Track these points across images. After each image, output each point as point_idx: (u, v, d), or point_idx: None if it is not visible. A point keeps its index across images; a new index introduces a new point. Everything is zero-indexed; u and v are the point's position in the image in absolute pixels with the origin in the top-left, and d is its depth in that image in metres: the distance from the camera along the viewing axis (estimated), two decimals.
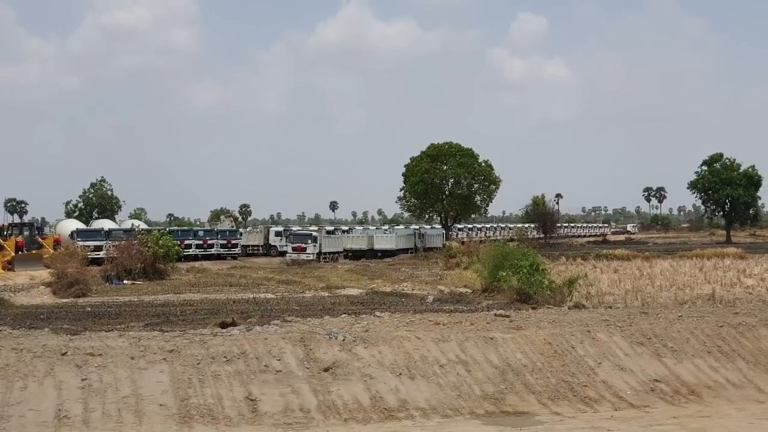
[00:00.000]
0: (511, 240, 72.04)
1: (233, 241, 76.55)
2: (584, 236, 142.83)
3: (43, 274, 45.07)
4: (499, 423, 14.27)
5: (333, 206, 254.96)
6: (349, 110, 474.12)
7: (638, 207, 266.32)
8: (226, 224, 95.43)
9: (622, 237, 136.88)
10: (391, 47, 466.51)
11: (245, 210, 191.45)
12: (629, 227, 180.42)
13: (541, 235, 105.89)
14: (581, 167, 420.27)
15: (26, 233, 60.31)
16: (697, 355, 17.79)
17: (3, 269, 50.83)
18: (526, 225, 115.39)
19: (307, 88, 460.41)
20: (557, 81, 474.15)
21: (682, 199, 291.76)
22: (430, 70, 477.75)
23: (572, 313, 21.71)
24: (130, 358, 15.33)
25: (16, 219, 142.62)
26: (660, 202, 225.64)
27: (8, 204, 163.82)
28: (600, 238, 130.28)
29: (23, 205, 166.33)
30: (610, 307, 24.37)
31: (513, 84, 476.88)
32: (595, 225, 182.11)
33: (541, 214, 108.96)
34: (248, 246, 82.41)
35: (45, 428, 13.23)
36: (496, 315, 20.60)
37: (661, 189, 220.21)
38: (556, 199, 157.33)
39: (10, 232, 60.93)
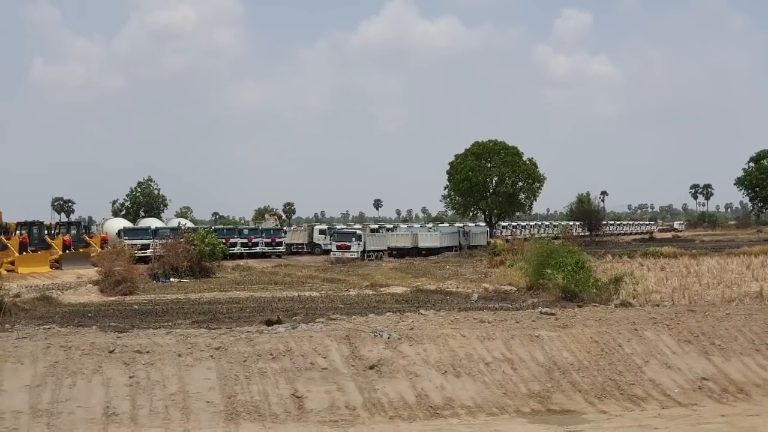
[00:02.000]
0: (556, 238, 71.59)
1: (278, 240, 76.83)
2: (630, 234, 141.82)
3: (91, 272, 45.55)
4: (546, 421, 14.21)
5: (377, 204, 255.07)
6: (392, 108, 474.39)
7: (685, 204, 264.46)
8: (270, 223, 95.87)
9: (668, 234, 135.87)
10: (434, 45, 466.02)
11: (289, 208, 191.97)
12: (676, 225, 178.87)
13: (587, 233, 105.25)
14: (627, 164, 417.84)
15: (73, 232, 61.09)
16: (745, 353, 17.60)
17: (51, 268, 51.41)
18: (571, 223, 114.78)
19: (350, 87, 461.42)
20: (602, 77, 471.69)
21: (729, 196, 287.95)
22: (473, 67, 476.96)
23: (619, 311, 21.53)
24: (177, 356, 15.44)
25: (64, 218, 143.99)
26: (707, 199, 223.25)
27: (55, 203, 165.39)
28: (646, 236, 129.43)
29: (70, 204, 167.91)
30: (657, 306, 24.15)
31: (557, 81, 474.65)
32: (641, 222, 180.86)
33: (586, 211, 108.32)
34: (293, 244, 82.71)
35: (93, 425, 13.35)
36: (541, 313, 20.50)
37: (708, 186, 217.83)
38: (602, 196, 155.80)
39: (57, 230, 61.66)
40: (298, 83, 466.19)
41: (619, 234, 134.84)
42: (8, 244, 51.36)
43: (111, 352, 15.40)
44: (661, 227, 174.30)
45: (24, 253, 51.66)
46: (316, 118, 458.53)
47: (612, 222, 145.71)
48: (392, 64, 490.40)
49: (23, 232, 55.55)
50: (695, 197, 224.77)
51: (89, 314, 26.47)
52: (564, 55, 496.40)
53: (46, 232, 58.73)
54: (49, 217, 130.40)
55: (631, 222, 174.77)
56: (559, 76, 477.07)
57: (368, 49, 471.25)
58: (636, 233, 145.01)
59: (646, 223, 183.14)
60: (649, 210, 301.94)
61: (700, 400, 15.70)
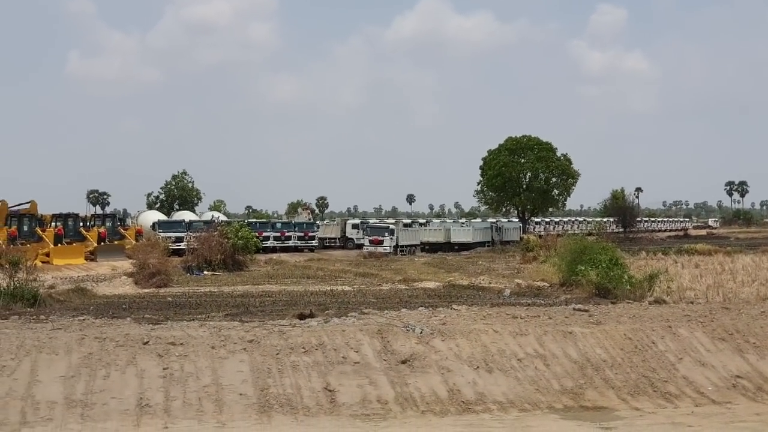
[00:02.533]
0: (590, 234, 71.28)
1: (310, 234, 77.02)
2: (665, 231, 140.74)
3: (125, 264, 45.86)
4: (578, 418, 14.17)
5: (410, 199, 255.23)
6: (425, 103, 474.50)
7: (720, 201, 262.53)
8: (303, 217, 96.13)
9: (703, 232, 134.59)
10: (468, 40, 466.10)
11: (322, 202, 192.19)
12: (710, 222, 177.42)
13: (621, 230, 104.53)
14: (662, 161, 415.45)
15: (109, 224, 61.43)
16: None
17: (86, 259, 51.81)
18: (605, 219, 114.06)
19: (383, 82, 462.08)
20: (637, 73, 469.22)
21: (764, 194, 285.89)
22: (507, 62, 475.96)
23: (653, 308, 21.42)
24: (210, 348, 15.52)
25: (99, 210, 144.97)
26: (742, 196, 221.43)
27: (91, 195, 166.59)
28: (681, 233, 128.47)
29: (105, 196, 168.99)
30: (692, 303, 23.98)
31: (592, 77, 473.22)
32: (675, 219, 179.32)
33: (620, 208, 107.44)
34: (325, 238, 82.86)
35: (127, 416, 13.45)
36: (574, 309, 20.43)
37: (743, 183, 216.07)
38: (636, 192, 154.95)
39: (92, 223, 62.13)
40: (332, 78, 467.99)
41: (654, 231, 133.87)
42: (43, 236, 51.78)
43: (145, 343, 15.50)
44: (695, 224, 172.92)
45: (59, 244, 52.07)
46: (349, 112, 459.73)
47: (646, 219, 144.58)
48: (426, 59, 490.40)
49: (58, 224, 56.00)
50: (730, 194, 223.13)
51: (124, 306, 26.65)
52: (599, 51, 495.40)
53: (81, 224, 59.19)
54: (85, 209, 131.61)
55: (665, 219, 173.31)
56: (593, 71, 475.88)
57: (402, 44, 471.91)
58: (670, 230, 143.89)
59: (681, 220, 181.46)
60: (684, 207, 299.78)
61: (734, 398, 15.59)
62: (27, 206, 54.69)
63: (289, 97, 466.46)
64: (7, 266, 26.68)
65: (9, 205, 53.14)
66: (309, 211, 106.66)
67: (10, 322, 18.60)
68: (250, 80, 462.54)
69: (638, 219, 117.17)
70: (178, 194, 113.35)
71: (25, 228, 52.60)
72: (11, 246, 41.19)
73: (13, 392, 13.77)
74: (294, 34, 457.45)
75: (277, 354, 15.50)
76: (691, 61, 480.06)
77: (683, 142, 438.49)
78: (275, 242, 71.76)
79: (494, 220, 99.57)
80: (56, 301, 27.36)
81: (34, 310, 23.20)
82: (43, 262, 45.30)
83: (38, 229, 52.73)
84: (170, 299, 29.63)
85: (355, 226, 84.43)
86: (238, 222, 64.29)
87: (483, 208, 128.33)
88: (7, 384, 13.97)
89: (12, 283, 25.47)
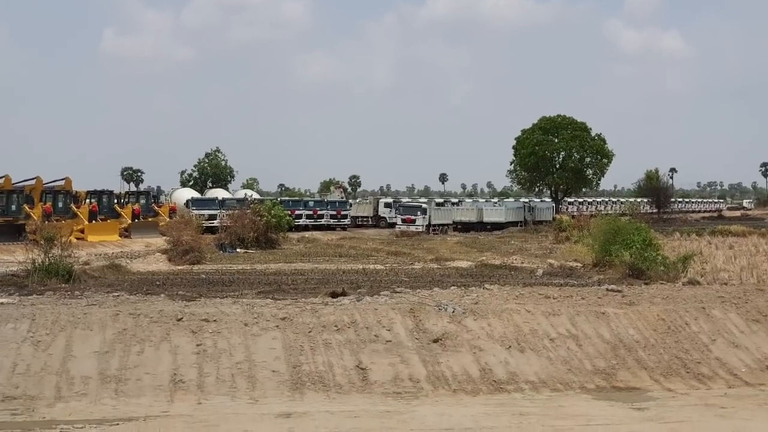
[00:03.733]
0: (623, 215, 70.84)
1: (343, 212, 77.00)
2: (699, 212, 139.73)
3: (159, 241, 46.11)
4: (611, 398, 14.13)
5: (442, 178, 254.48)
6: (459, 82, 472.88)
7: (755, 182, 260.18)
8: (335, 195, 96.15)
9: (737, 213, 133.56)
10: (502, 18, 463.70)
11: (355, 181, 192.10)
12: (745, 203, 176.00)
13: (654, 210, 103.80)
14: (697, 141, 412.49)
15: (143, 201, 61.81)
16: None
17: (120, 236, 52.15)
18: (639, 200, 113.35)
19: (416, 60, 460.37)
20: (673, 53, 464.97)
21: None
22: (542, 41, 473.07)
23: (686, 289, 21.29)
24: (243, 325, 15.60)
25: (133, 187, 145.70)
26: None
27: (125, 172, 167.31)
28: (715, 214, 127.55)
29: (139, 173, 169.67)
30: (725, 284, 23.81)
31: (627, 56, 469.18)
32: (709, 200, 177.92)
33: (654, 188, 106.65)
34: (357, 217, 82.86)
35: (161, 392, 13.56)
36: (607, 290, 20.34)
37: None
38: (671, 173, 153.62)
39: (127, 200, 62.49)
40: (365, 56, 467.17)
41: (688, 212, 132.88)
42: (78, 213, 52.14)
43: (179, 320, 15.61)
44: (729, 205, 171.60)
45: (94, 221, 52.42)
46: (382, 91, 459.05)
47: (680, 200, 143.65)
48: (460, 38, 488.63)
49: (93, 200, 56.39)
50: (765, 175, 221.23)
51: (157, 282, 26.75)
52: (635, 30, 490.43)
53: (115, 201, 59.56)
54: (119, 186, 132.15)
55: (699, 200, 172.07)
56: (629, 51, 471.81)
57: (436, 22, 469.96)
58: (704, 211, 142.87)
59: (715, 201, 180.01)
60: (718, 188, 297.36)
61: (767, 379, 15.49)
62: (62, 183, 54.98)
63: (322, 75, 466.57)
64: (42, 242, 26.85)
65: (44, 182, 53.46)
66: (341, 190, 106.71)
67: (46, 297, 18.78)
68: (283, 58, 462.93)
69: (672, 200, 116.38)
70: (211, 172, 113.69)
71: (60, 204, 52.93)
72: (46, 222, 41.41)
73: (48, 367, 13.92)
74: (327, 12, 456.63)
75: (310, 332, 15.56)
76: (727, 41, 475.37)
77: (718, 122, 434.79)
78: (308, 220, 71.80)
79: (527, 200, 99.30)
80: (91, 277, 27.49)
81: (68, 286, 23.35)
82: (77, 239, 45.56)
83: (73, 206, 53.10)
84: (203, 276, 29.72)
85: (387, 205, 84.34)
86: (271, 200, 64.35)
87: (516, 187, 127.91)
88: (43, 359, 14.12)
89: (47, 259, 25.63)
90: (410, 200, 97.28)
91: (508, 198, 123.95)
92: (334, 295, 19.82)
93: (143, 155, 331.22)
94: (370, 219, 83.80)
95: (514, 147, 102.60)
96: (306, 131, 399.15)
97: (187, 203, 65.50)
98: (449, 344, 15.59)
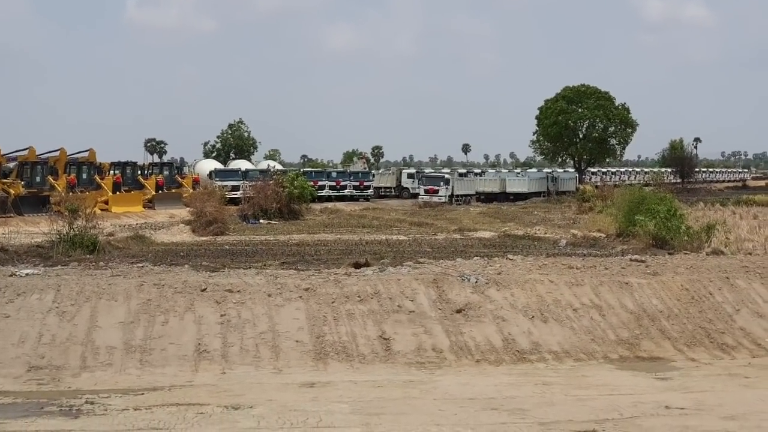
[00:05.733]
0: (647, 185, 70.56)
1: (366, 183, 77.13)
2: (723, 182, 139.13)
3: (183, 212, 46.35)
4: (634, 368, 14.11)
5: (465, 149, 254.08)
6: (482, 51, 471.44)
7: None
8: (358, 166, 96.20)
9: (762, 183, 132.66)
10: None
11: (377, 152, 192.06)
12: None
13: (679, 180, 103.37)
14: (721, 111, 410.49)
15: (166, 173, 62.08)
16: None
17: (144, 207, 52.42)
18: (663, 170, 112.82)
19: (440, 30, 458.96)
20: (698, 22, 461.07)
21: None
22: (565, 11, 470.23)
23: (710, 259, 21.17)
24: (267, 296, 15.65)
25: (156, 159, 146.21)
26: None
27: (148, 144, 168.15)
28: (739, 184, 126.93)
29: (162, 145, 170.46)
30: (750, 254, 23.69)
31: (651, 25, 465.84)
32: (734, 170, 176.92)
33: (678, 158, 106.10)
34: (380, 188, 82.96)
35: (185, 362, 13.64)
36: (631, 260, 20.25)
37: None
38: (695, 143, 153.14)
39: (150, 171, 62.80)
40: (388, 26, 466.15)
41: (712, 181, 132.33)
42: (102, 184, 52.41)
43: (203, 290, 15.67)
44: (754, 175, 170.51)
45: (117, 192, 52.72)
46: (405, 61, 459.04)
47: (704, 169, 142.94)
48: (483, 7, 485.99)
49: (117, 172, 56.70)
50: None
51: (181, 253, 26.87)
52: None
53: (139, 172, 59.84)
54: (142, 157, 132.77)
55: (723, 170, 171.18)
56: (653, 19, 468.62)
57: None
58: (728, 181, 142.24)
59: (739, 170, 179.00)
60: (743, 157, 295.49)
61: None
62: (85, 154, 55.30)
63: (345, 45, 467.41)
64: (66, 214, 26.99)
65: (68, 153, 53.73)
66: (364, 161, 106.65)
67: (70, 268, 18.87)
68: (306, 29, 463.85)
69: (696, 170, 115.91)
70: (235, 143, 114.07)
71: (84, 176, 53.27)
72: (70, 194, 41.64)
73: (74, 337, 14.02)
74: None
75: (333, 302, 15.59)
76: (753, 9, 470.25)
77: (743, 92, 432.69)
78: (330, 191, 71.97)
79: (550, 170, 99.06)
80: (115, 248, 27.65)
81: (93, 257, 23.47)
82: (101, 210, 45.81)
83: (97, 177, 53.40)
84: (227, 247, 29.85)
85: (410, 176, 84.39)
86: (294, 171, 64.46)
87: (539, 158, 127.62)
88: (68, 329, 14.22)
89: (71, 230, 25.78)
90: (433, 171, 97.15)
91: (531, 168, 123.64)
92: (357, 265, 19.84)
93: (166, 126, 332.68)
94: (392, 190, 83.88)
95: (537, 117, 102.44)
96: (329, 102, 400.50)
97: (210, 174, 65.68)
98: (472, 314, 15.58)
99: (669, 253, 23.55)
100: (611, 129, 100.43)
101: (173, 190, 58.14)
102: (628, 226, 31.61)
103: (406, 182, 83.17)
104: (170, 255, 26.01)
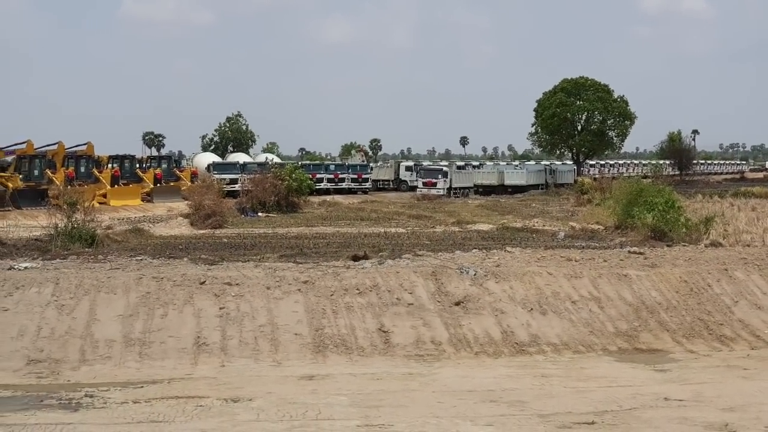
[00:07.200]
0: (646, 177, 70.52)
1: (364, 176, 76.92)
2: (721, 174, 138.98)
3: (181, 205, 46.30)
4: (633, 360, 14.14)
5: (463, 141, 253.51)
6: (479, 44, 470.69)
7: None
8: (356, 159, 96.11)
9: (760, 175, 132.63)
10: None
11: (376, 145, 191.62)
12: None
13: (677, 173, 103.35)
14: (719, 103, 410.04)
15: (164, 166, 61.89)
16: None
17: (142, 200, 52.34)
18: (661, 162, 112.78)
19: (436, 22, 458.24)
20: (695, 13, 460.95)
21: None
22: (562, 2, 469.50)
23: (709, 251, 21.18)
24: (266, 288, 15.66)
25: (155, 152, 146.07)
26: None
27: (146, 137, 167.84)
28: (737, 176, 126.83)
29: (161, 138, 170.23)
30: (748, 246, 23.71)
31: (648, 17, 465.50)
32: (732, 162, 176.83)
33: (676, 150, 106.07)
34: (379, 180, 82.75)
35: (185, 354, 13.67)
36: (629, 252, 20.26)
37: None
38: (693, 135, 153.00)
39: (149, 164, 62.64)
40: (384, 18, 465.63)
41: (710, 173, 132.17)
42: (100, 177, 52.28)
43: (202, 283, 15.68)
44: (752, 167, 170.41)
45: (116, 186, 52.59)
46: (402, 53, 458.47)
47: (702, 161, 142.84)
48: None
49: (115, 165, 56.52)
50: None
51: (180, 246, 26.83)
52: None
53: (137, 165, 59.70)
54: (140, 151, 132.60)
55: (722, 161, 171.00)
56: (651, 11, 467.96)
57: None
58: (727, 173, 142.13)
59: (737, 162, 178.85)
60: (741, 150, 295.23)
61: None
62: (84, 148, 55.17)
63: (342, 38, 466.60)
64: (64, 207, 26.95)
65: (66, 147, 53.63)
66: (362, 153, 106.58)
67: (69, 261, 18.87)
68: (303, 22, 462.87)
69: (694, 162, 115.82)
70: (233, 136, 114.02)
71: (82, 169, 53.08)
72: (68, 187, 41.55)
73: (73, 331, 14.03)
74: None
75: (332, 295, 15.61)
76: (749, 0, 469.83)
77: (741, 84, 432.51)
78: (329, 184, 71.84)
79: (548, 163, 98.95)
80: (114, 241, 27.63)
81: (91, 251, 23.45)
82: (100, 203, 45.71)
83: (95, 171, 53.27)
84: (225, 240, 29.81)
85: (408, 168, 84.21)
86: (292, 164, 64.37)
87: (537, 150, 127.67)
88: (67, 323, 14.23)
89: (70, 223, 25.75)
90: (431, 163, 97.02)
91: (529, 161, 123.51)
92: (355, 258, 19.82)
93: (164, 120, 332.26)
94: (391, 182, 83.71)
95: (535, 110, 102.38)
96: (327, 95, 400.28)
97: (208, 168, 65.54)
98: (471, 307, 15.60)
99: (667, 245, 23.55)
100: (610, 121, 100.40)
101: (171, 184, 57.94)
102: (626, 218, 31.61)
103: (404, 175, 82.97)
104: (169, 248, 25.97)
